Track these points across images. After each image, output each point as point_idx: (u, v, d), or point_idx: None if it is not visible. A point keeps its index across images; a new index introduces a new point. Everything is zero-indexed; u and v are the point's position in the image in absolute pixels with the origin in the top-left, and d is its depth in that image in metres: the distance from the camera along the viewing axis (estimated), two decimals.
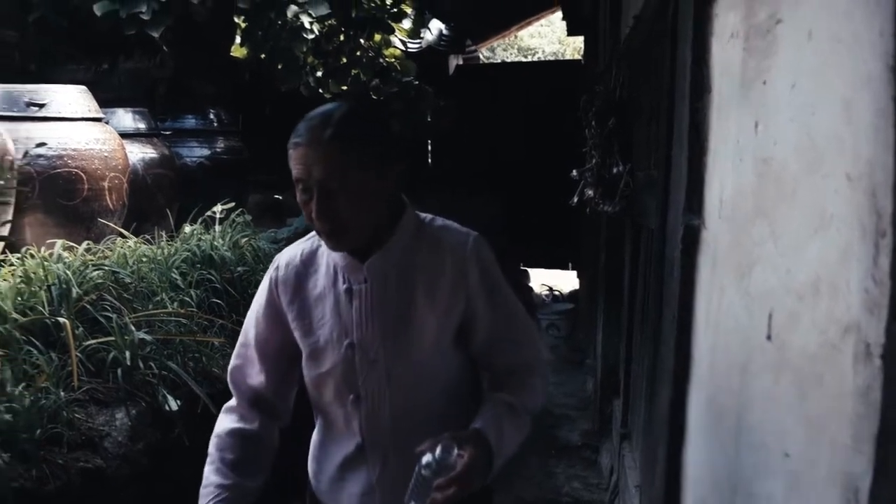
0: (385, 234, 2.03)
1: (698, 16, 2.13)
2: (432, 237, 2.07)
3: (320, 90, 8.60)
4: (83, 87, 5.53)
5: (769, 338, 1.49)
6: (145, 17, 6.86)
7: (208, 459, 2.16)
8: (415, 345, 2.03)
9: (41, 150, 4.86)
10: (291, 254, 2.18)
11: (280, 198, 7.91)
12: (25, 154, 4.65)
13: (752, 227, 1.63)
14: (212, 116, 7.38)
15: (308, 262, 2.14)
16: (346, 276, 2.05)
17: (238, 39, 8.47)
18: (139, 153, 5.92)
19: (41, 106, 5.18)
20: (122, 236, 4.89)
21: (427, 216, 2.13)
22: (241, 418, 2.21)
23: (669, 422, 2.22)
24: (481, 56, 15.08)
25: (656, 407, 2.57)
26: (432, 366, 2.06)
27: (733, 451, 1.71)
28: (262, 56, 8.11)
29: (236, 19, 8.01)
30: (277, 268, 2.17)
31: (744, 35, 1.76)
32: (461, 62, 12.27)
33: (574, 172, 4.78)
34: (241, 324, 2.31)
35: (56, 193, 4.95)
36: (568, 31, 10.43)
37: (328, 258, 2.10)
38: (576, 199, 4.72)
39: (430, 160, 11.34)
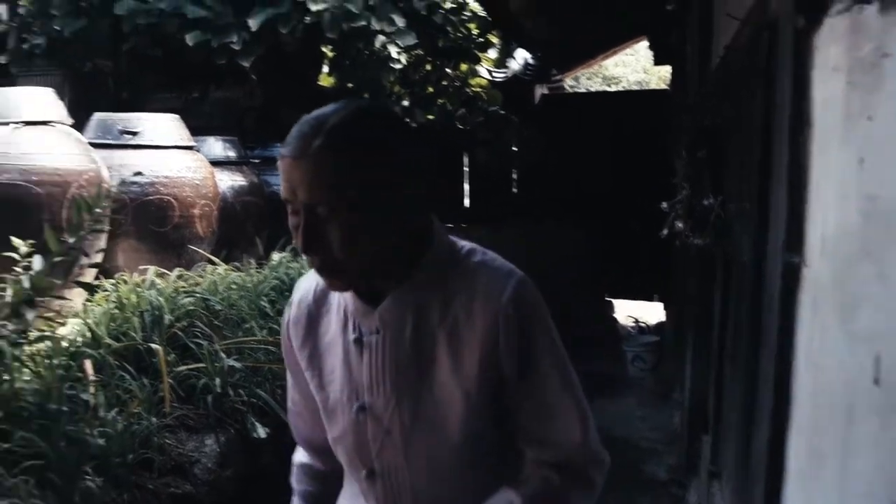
0: (404, 271, 1.63)
1: (798, 48, 2.09)
2: (465, 277, 1.63)
3: (406, 119, 8.69)
4: (175, 116, 5.66)
5: (876, 381, 1.44)
6: (236, 47, 7.03)
7: (293, 490, 2.00)
8: (438, 414, 1.63)
9: (134, 178, 4.97)
10: (305, 288, 1.82)
11: None
12: (122, 182, 4.76)
13: (857, 266, 1.59)
14: None
15: (321, 300, 1.77)
16: (357, 322, 1.68)
17: (326, 69, 8.61)
18: (229, 181, 6.03)
19: (134, 134, 5.31)
20: (212, 263, 4.97)
21: (465, 246, 1.69)
22: (307, 456, 1.99)
23: (767, 464, 2.16)
24: (566, 85, 15.07)
25: (753, 447, 2.51)
26: (463, 442, 1.64)
27: (837, 499, 1.66)
28: (350, 85, 8.23)
29: (324, 49, 8.14)
30: (290, 305, 1.83)
31: (847, 68, 1.72)
32: (546, 91, 12.27)
33: (664, 204, 4.72)
34: None
35: (148, 220, 5.07)
36: (655, 60, 10.37)
37: (339, 297, 1.72)
38: (666, 231, 4.67)
39: (515, 189, 11.33)
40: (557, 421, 1.66)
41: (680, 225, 4.43)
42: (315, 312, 1.77)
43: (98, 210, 3.56)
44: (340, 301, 1.71)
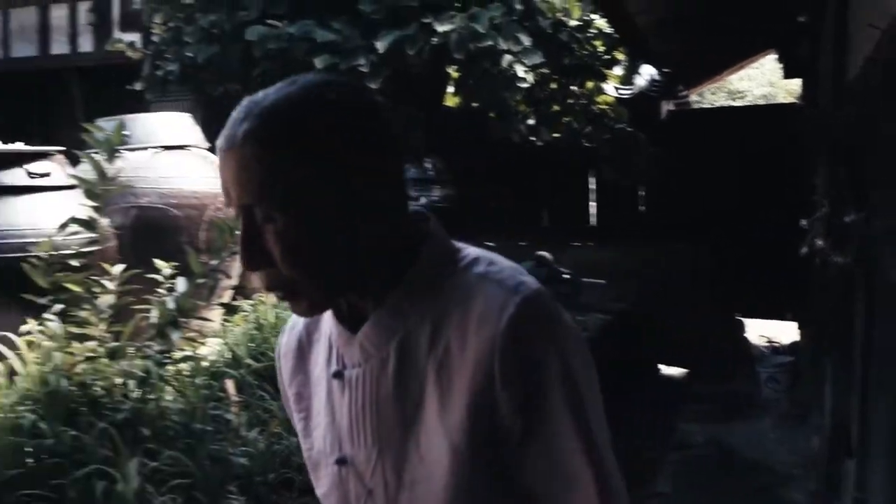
0: (384, 286, 1.28)
1: None
2: (462, 294, 1.24)
3: (532, 137, 8.68)
4: None
5: None
6: (364, 70, 7.13)
7: None
8: (425, 474, 1.26)
9: None
10: None
11: (492, 245, 8.00)
12: None
13: None
14: (427, 165, 7.56)
15: (312, 326, 1.43)
16: (339, 352, 1.34)
17: (451, 89, 8.67)
18: None
19: None
20: None
21: (470, 254, 1.31)
22: None
23: None
24: (690, 101, 14.88)
25: None
26: None
27: None
28: (475, 105, 8.26)
29: (449, 70, 8.20)
30: (283, 331, 1.51)
31: None
32: (672, 107, 12.13)
33: (803, 222, 4.61)
34: None
35: None
36: (784, 73, 10.15)
37: (327, 323, 1.38)
38: (805, 249, 4.56)
39: (642, 207, 11.21)
40: (572, 493, 1.23)
41: (820, 242, 4.32)
42: (306, 341, 1.44)
43: (238, 232, 3.65)
44: (327, 328, 1.38)
